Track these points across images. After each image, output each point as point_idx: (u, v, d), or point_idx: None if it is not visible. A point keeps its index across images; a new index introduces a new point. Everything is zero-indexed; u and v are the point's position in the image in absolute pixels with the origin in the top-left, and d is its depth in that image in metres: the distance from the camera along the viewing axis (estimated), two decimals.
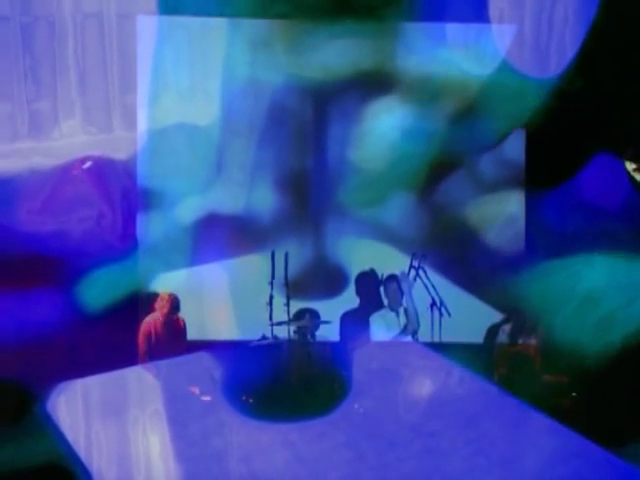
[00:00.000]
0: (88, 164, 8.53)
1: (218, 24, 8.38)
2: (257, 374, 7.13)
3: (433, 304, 8.34)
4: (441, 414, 6.79)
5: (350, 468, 6.20)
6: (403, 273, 8.39)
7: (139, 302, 8.32)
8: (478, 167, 8.60)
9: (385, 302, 8.39)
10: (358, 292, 8.54)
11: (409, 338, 8.30)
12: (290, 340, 7.72)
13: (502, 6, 8.79)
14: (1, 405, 6.82)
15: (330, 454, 6.35)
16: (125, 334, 8.10)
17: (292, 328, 7.79)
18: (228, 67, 8.47)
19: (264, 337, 8.07)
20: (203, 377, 7.35)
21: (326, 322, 8.09)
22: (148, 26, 8.43)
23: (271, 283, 8.17)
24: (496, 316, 8.30)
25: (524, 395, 7.01)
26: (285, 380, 7.17)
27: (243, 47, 8.37)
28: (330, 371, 7.32)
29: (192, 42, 8.48)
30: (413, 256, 8.48)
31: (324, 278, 8.68)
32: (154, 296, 8.36)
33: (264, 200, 8.59)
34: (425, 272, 8.42)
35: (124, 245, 8.43)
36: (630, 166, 8.06)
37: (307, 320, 7.94)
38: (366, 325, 8.29)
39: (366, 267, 8.60)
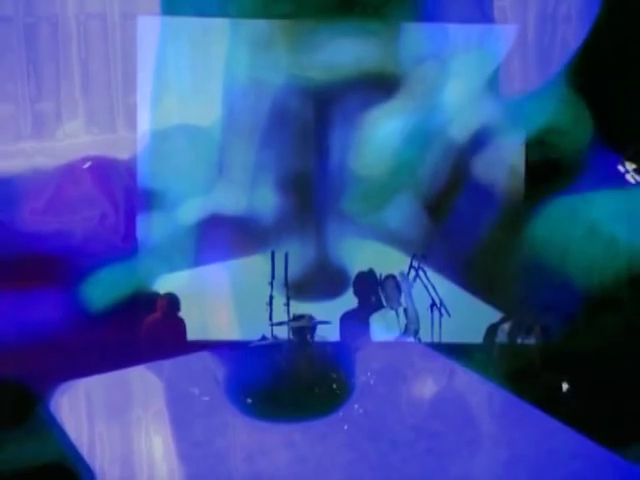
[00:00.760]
0: (91, 164, 8.54)
1: (220, 25, 8.38)
2: (260, 375, 7.14)
3: (433, 304, 8.34)
4: (443, 414, 6.79)
5: (353, 469, 6.20)
6: (402, 273, 8.38)
7: (141, 302, 8.33)
8: (478, 168, 8.60)
9: (384, 302, 8.39)
10: (356, 292, 8.55)
11: (410, 338, 8.30)
12: (291, 340, 7.73)
13: (504, 5, 8.79)
14: (4, 405, 6.83)
15: (333, 455, 6.35)
16: (128, 334, 8.11)
17: (291, 328, 7.80)
18: (230, 68, 8.48)
19: (264, 337, 8.08)
20: (206, 377, 7.36)
21: (326, 322, 8.10)
22: (148, 27, 8.44)
23: (271, 283, 8.18)
24: (496, 316, 8.32)
25: (526, 395, 7.02)
26: (287, 381, 7.17)
27: (245, 48, 8.37)
28: (332, 372, 7.32)
29: (194, 43, 8.48)
30: (413, 257, 8.48)
31: (326, 279, 8.68)
32: (155, 296, 8.37)
33: (266, 201, 8.59)
34: (425, 272, 8.41)
35: (127, 245, 8.44)
36: (630, 166, 8.06)
37: (307, 320, 7.95)
38: (366, 325, 8.28)
39: (366, 268, 8.61)
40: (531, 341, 7.98)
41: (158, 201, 8.46)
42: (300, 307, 8.15)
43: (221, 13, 8.26)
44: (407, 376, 7.44)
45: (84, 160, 8.54)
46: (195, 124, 8.55)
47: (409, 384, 7.33)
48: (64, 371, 7.41)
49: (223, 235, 8.50)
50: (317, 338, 7.92)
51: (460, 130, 8.49)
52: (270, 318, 8.07)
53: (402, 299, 8.33)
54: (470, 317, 8.34)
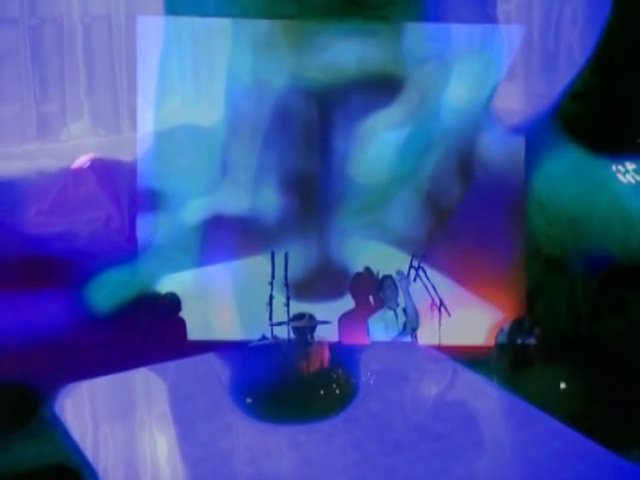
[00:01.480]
0: (96, 166, 8.55)
1: (223, 26, 8.38)
2: (263, 376, 7.14)
3: (433, 304, 8.33)
4: (449, 416, 6.78)
5: (357, 470, 6.19)
6: (400, 272, 8.37)
7: (146, 303, 8.33)
8: (480, 168, 8.61)
9: (383, 302, 8.37)
10: (354, 293, 8.54)
11: (408, 337, 8.29)
12: (290, 340, 7.73)
13: (510, 8, 8.79)
14: (9, 407, 6.83)
15: (337, 456, 6.34)
16: (132, 335, 8.11)
17: (292, 328, 7.80)
18: (233, 69, 8.48)
19: (264, 337, 8.08)
20: (210, 379, 7.35)
21: (326, 322, 8.10)
22: (148, 26, 8.44)
23: (271, 283, 8.19)
24: (496, 316, 8.32)
25: (530, 397, 7.02)
26: (291, 382, 7.17)
27: (248, 49, 8.37)
28: (337, 373, 7.32)
29: (197, 43, 8.48)
30: (413, 256, 8.47)
31: (328, 280, 8.68)
32: (158, 297, 8.36)
33: (269, 202, 8.59)
34: (425, 272, 8.41)
35: (131, 247, 8.44)
36: (630, 166, 8.06)
37: (307, 320, 7.95)
38: (364, 325, 8.27)
39: (369, 268, 8.60)
40: (531, 341, 7.99)
41: (161, 202, 8.46)
42: (301, 307, 8.16)
43: (224, 14, 8.26)
44: (412, 378, 7.43)
45: (89, 161, 8.54)
46: (198, 125, 8.56)
47: (414, 385, 7.32)
48: (69, 373, 7.40)
49: (226, 236, 8.51)
50: (317, 338, 7.93)
51: (463, 130, 8.50)
52: (270, 318, 8.08)
53: (400, 299, 8.31)
54: (470, 317, 8.35)
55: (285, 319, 7.98)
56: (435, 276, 8.46)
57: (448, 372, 7.51)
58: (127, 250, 8.40)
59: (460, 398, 7.17)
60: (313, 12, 8.13)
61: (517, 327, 8.06)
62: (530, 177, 8.39)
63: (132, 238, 8.49)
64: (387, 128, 8.43)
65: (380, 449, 6.38)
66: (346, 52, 8.17)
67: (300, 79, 8.33)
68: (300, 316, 8.04)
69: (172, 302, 8.42)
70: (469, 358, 7.61)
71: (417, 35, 8.37)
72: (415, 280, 8.43)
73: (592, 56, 8.17)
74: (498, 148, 8.55)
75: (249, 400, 6.94)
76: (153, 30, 8.42)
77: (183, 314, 8.39)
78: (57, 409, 6.92)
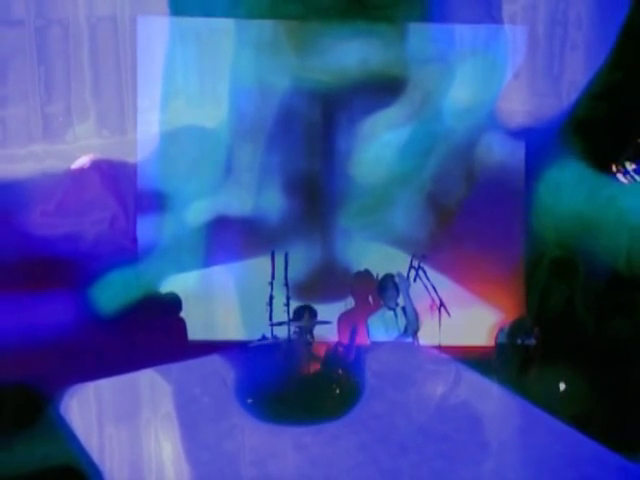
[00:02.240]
0: (101, 167, 8.56)
1: (226, 26, 8.37)
2: (268, 376, 7.14)
3: (433, 304, 8.32)
4: (453, 418, 6.78)
5: (363, 472, 6.19)
6: (400, 274, 8.36)
7: (150, 305, 8.33)
8: (482, 169, 8.61)
9: (382, 302, 8.36)
10: (354, 293, 8.53)
11: (409, 339, 8.28)
12: (293, 341, 7.74)
13: (515, 10, 8.79)
14: (14, 408, 6.83)
15: (343, 457, 6.34)
16: (137, 337, 8.12)
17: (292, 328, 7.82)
18: (237, 70, 8.48)
19: (264, 337, 8.09)
20: (215, 380, 7.35)
21: (326, 322, 8.10)
22: (149, 27, 8.44)
23: (271, 283, 8.20)
24: (496, 316, 8.31)
25: (532, 398, 7.02)
26: (295, 382, 7.17)
27: (252, 50, 8.38)
28: (341, 374, 7.31)
29: (200, 44, 8.49)
30: (413, 257, 8.46)
31: (331, 281, 8.68)
32: (163, 298, 8.36)
33: (272, 203, 8.60)
34: (425, 272, 8.40)
35: (136, 248, 8.45)
36: (630, 166, 8.05)
37: (306, 320, 7.95)
38: (364, 325, 8.27)
39: (372, 269, 8.60)
40: (531, 342, 7.98)
41: (165, 203, 8.48)
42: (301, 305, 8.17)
43: (229, 15, 8.26)
44: (417, 379, 7.42)
45: (94, 163, 8.55)
46: (202, 126, 8.56)
47: (419, 387, 7.31)
48: (74, 374, 7.41)
49: (230, 237, 8.51)
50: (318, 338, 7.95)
51: (466, 132, 8.49)
52: (270, 318, 8.09)
53: (400, 299, 8.31)
54: (470, 317, 8.34)
55: (287, 319, 8.00)
56: (435, 276, 8.46)
57: (453, 374, 7.50)
58: (131, 251, 8.41)
59: (465, 400, 7.16)
60: (317, 13, 8.14)
61: (517, 327, 8.06)
62: (534, 179, 8.40)
63: (136, 239, 8.50)
64: (390, 129, 8.44)
65: (385, 451, 6.37)
66: (350, 53, 8.18)
67: (303, 80, 8.33)
68: (301, 309, 8.06)
69: (173, 303, 8.42)
70: (469, 358, 7.61)
71: (421, 36, 8.38)
72: (415, 280, 8.43)
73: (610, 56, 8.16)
74: (500, 150, 8.55)
75: (254, 401, 6.94)
76: (154, 30, 8.42)
77: (187, 315, 8.40)
78: (62, 410, 6.91)
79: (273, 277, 8.20)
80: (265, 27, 8.27)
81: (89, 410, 7.20)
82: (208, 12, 8.27)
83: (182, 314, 8.40)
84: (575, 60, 8.66)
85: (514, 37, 8.59)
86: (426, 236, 8.61)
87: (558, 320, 8.06)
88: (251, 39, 8.31)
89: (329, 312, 8.32)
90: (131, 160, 8.57)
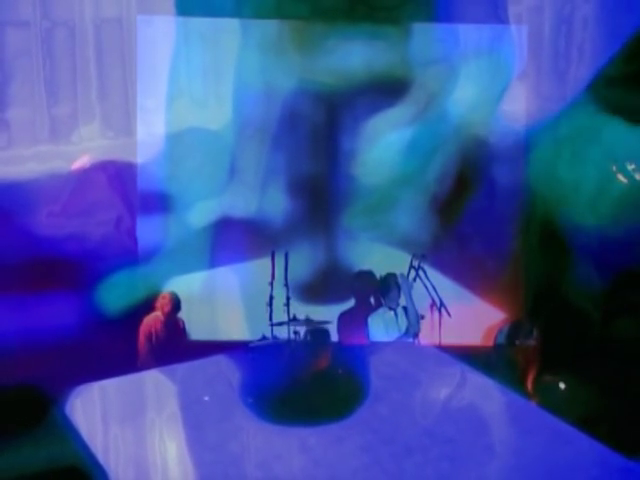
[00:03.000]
0: (106, 168, 8.57)
1: (231, 27, 8.38)
2: (272, 377, 7.14)
3: (433, 305, 8.32)
4: (458, 420, 6.77)
5: (367, 473, 6.19)
6: (402, 275, 8.35)
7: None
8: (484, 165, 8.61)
9: (382, 302, 8.35)
10: (354, 292, 8.53)
11: (410, 340, 8.28)
12: (294, 341, 7.75)
13: (520, 11, 8.79)
14: (20, 408, 6.84)
15: (347, 459, 6.34)
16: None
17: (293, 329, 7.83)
18: (241, 71, 8.48)
19: (264, 337, 8.10)
20: (220, 381, 7.35)
21: (326, 322, 8.10)
22: (148, 27, 8.44)
23: (271, 283, 8.20)
24: (496, 316, 8.31)
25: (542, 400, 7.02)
26: (299, 383, 7.17)
27: (256, 51, 8.38)
28: (346, 375, 7.31)
29: (205, 45, 8.49)
30: (413, 257, 8.46)
31: (335, 282, 8.68)
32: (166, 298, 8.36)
33: (276, 204, 8.60)
34: (425, 272, 8.40)
35: (141, 249, 8.46)
36: (630, 166, 8.04)
37: (305, 321, 7.97)
38: (364, 325, 8.26)
39: (376, 270, 8.59)
40: (530, 343, 7.98)
41: (170, 205, 8.48)
42: (307, 309, 8.18)
43: (235, 16, 8.27)
44: (422, 381, 7.42)
45: (99, 164, 8.56)
46: (206, 127, 8.57)
47: (424, 389, 7.30)
48: (79, 374, 7.41)
49: (234, 238, 8.52)
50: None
51: (470, 133, 8.50)
52: (270, 318, 8.10)
53: (401, 299, 8.30)
54: (470, 317, 8.34)
55: (294, 319, 8.00)
56: (435, 276, 8.46)
57: (458, 376, 7.50)
58: (136, 252, 8.42)
59: (470, 402, 7.16)
60: (323, 14, 8.14)
61: (516, 328, 8.06)
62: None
63: (141, 240, 8.50)
64: (394, 130, 8.44)
65: (390, 452, 6.37)
66: (354, 55, 8.18)
67: (308, 82, 8.33)
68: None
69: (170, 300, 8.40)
70: (469, 358, 7.61)
71: (425, 37, 8.38)
72: (415, 280, 8.42)
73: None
74: (503, 150, 8.55)
75: (259, 402, 6.95)
76: (154, 30, 8.42)
77: (192, 315, 8.40)
78: (67, 410, 6.91)
79: (273, 277, 8.22)
80: (270, 28, 8.26)
81: (94, 410, 7.20)
82: (214, 13, 8.27)
83: (187, 315, 8.40)
84: (580, 61, 8.65)
85: (519, 38, 8.58)
86: (429, 237, 8.61)
87: (558, 320, 8.05)
88: (256, 40, 8.31)
89: (333, 313, 8.32)
90: (137, 161, 8.57)
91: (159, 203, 8.46)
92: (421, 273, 8.40)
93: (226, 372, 7.47)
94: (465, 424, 6.68)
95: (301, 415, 6.74)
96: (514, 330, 8.04)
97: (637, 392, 7.07)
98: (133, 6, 8.59)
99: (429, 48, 8.38)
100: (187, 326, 8.32)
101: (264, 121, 8.53)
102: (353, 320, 8.30)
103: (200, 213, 8.46)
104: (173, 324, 8.18)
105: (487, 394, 7.21)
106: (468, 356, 7.62)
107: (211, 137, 8.52)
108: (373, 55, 8.24)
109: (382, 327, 8.21)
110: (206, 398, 7.10)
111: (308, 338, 7.81)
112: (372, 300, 8.51)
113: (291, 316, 8.11)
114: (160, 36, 8.43)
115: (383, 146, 8.47)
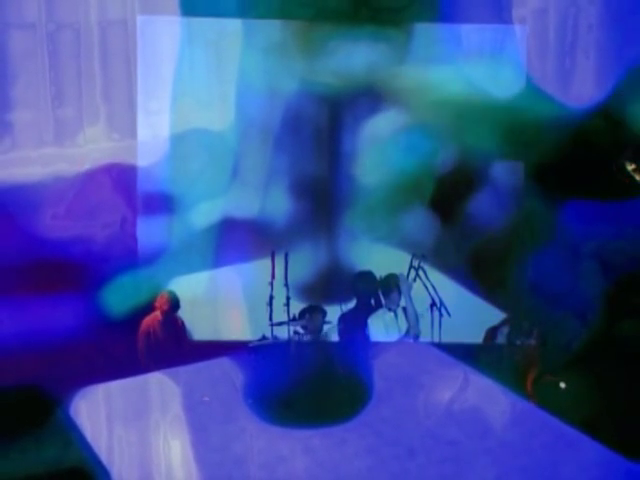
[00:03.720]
0: (111, 170, 8.58)
1: (235, 28, 8.38)
2: (274, 379, 7.15)
3: (433, 304, 8.32)
4: (461, 422, 6.78)
5: (370, 475, 6.20)
6: (402, 275, 8.35)
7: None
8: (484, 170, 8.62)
9: (383, 302, 8.35)
10: (355, 292, 8.53)
11: (410, 341, 8.29)
12: (297, 342, 7.76)
13: (525, 13, 8.79)
14: (24, 409, 6.86)
15: (351, 460, 6.35)
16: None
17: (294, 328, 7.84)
18: (245, 73, 8.49)
19: (264, 337, 8.11)
20: (224, 383, 7.36)
21: (326, 322, 8.11)
22: (149, 27, 8.45)
23: (271, 283, 8.22)
24: (496, 316, 8.31)
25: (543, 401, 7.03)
26: (303, 385, 7.17)
27: (260, 52, 8.38)
28: (350, 378, 7.32)
29: (208, 46, 8.50)
30: (413, 257, 8.46)
31: (337, 282, 8.69)
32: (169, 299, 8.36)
33: (279, 205, 8.61)
34: (425, 272, 8.40)
35: (144, 250, 8.47)
36: (630, 166, 8.05)
37: (307, 320, 7.97)
38: (364, 326, 8.26)
39: (377, 271, 8.59)
40: (530, 343, 7.98)
41: (174, 206, 8.50)
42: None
43: (239, 17, 8.28)
44: (426, 383, 7.42)
45: (104, 166, 8.58)
46: (210, 128, 8.58)
47: (428, 391, 7.31)
48: (84, 376, 7.43)
49: (237, 238, 8.52)
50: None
51: (471, 134, 8.50)
52: (270, 318, 8.11)
53: (401, 300, 8.30)
54: (470, 317, 8.34)
55: (296, 319, 8.02)
56: (435, 276, 8.47)
57: (461, 379, 7.50)
58: (140, 253, 8.44)
59: (473, 404, 7.16)
60: (327, 16, 8.15)
61: (516, 328, 8.06)
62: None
63: (145, 241, 8.51)
64: (396, 132, 8.44)
65: (393, 454, 6.38)
66: (358, 56, 8.18)
67: (311, 83, 8.34)
68: (308, 312, 8.08)
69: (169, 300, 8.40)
70: (468, 358, 7.62)
71: (428, 39, 8.38)
72: (415, 280, 8.43)
73: None
74: (504, 151, 8.56)
75: (262, 404, 6.96)
76: (155, 30, 8.43)
77: (195, 316, 8.41)
78: (72, 412, 6.93)
79: (273, 277, 8.24)
80: (273, 29, 8.27)
81: (98, 412, 7.21)
82: (219, 14, 8.28)
83: (189, 315, 8.40)
84: (585, 63, 8.66)
85: (523, 39, 8.59)
86: (431, 238, 8.62)
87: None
88: (259, 41, 8.32)
89: (335, 313, 8.33)
90: (141, 163, 8.59)
91: (162, 204, 8.47)
92: (421, 273, 8.41)
93: (230, 374, 7.48)
94: (468, 426, 6.68)
95: (304, 417, 6.75)
96: (514, 330, 8.04)
97: (638, 393, 7.07)
98: (138, 9, 8.60)
99: (432, 50, 8.39)
100: (188, 326, 8.32)
101: (267, 122, 8.55)
102: (354, 321, 8.31)
103: (203, 214, 8.47)
104: (172, 323, 8.16)
105: (490, 396, 7.21)
106: (468, 356, 7.63)
107: (214, 138, 8.53)
108: (376, 57, 8.24)
109: (382, 328, 8.21)
110: (206, 398, 7.11)
111: (308, 338, 7.82)
112: (372, 301, 8.52)
113: (291, 316, 8.11)
114: (163, 37, 8.44)
115: (385, 147, 8.48)
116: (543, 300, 7.93)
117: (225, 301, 8.59)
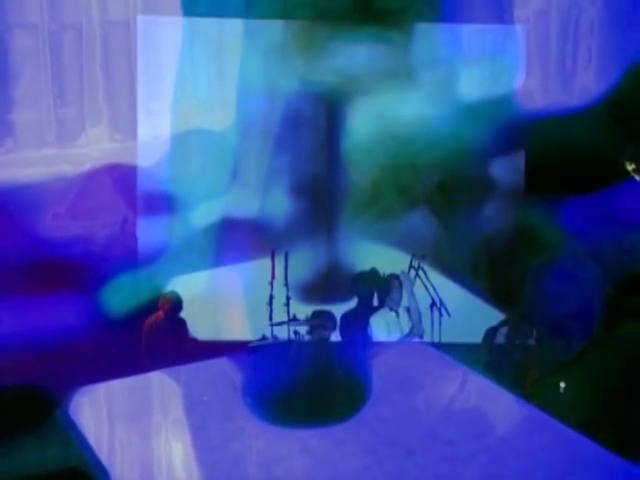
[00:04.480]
0: (112, 170, 8.60)
1: (235, 28, 8.39)
2: (273, 378, 7.16)
3: (433, 304, 8.31)
4: (459, 421, 6.77)
5: (368, 475, 6.20)
6: (404, 274, 8.35)
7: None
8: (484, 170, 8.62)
9: (384, 302, 8.35)
10: (357, 292, 8.52)
11: (413, 340, 8.28)
12: (297, 342, 7.76)
13: (527, 14, 8.79)
14: (24, 409, 6.87)
15: (349, 460, 6.34)
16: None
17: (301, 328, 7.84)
18: (245, 73, 8.50)
19: (264, 337, 8.11)
20: (223, 383, 7.37)
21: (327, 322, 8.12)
22: (149, 27, 8.46)
23: (271, 283, 8.22)
24: (496, 316, 8.30)
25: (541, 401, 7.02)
26: (301, 384, 7.17)
27: (260, 52, 8.39)
28: (348, 377, 7.32)
29: (208, 46, 8.51)
30: (412, 257, 8.46)
31: (337, 282, 8.69)
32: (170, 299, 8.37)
33: (279, 205, 8.61)
34: (425, 272, 8.40)
35: (145, 250, 8.48)
36: (630, 166, 8.04)
37: (307, 320, 7.97)
38: (366, 326, 8.26)
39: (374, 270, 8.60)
40: (530, 343, 7.97)
41: (174, 206, 8.50)
42: (308, 309, 8.19)
43: (239, 17, 8.29)
44: (424, 383, 7.42)
45: (105, 166, 8.60)
46: (210, 128, 8.58)
47: (426, 390, 7.30)
48: (84, 375, 7.44)
49: (237, 238, 8.53)
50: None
51: (471, 134, 8.50)
52: (270, 318, 8.11)
53: (403, 300, 8.29)
54: (470, 317, 8.33)
55: (296, 319, 8.02)
56: (435, 276, 8.47)
57: (460, 378, 7.50)
58: (140, 253, 8.45)
59: (471, 404, 7.16)
60: (327, 16, 8.15)
61: (515, 328, 8.05)
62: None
63: (145, 241, 8.53)
64: (397, 132, 8.44)
65: (391, 454, 6.37)
66: (358, 57, 8.19)
67: (312, 83, 8.35)
68: (316, 316, 8.08)
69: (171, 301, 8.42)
70: (468, 358, 7.61)
71: (429, 39, 8.38)
72: (415, 280, 8.43)
73: None
74: (504, 151, 8.55)
75: (261, 404, 6.96)
76: (155, 31, 8.44)
77: (195, 316, 8.41)
78: (72, 412, 6.94)
79: (273, 277, 8.24)
80: (274, 30, 8.28)
81: (98, 412, 7.23)
82: (220, 15, 8.29)
83: (190, 315, 8.41)
84: (587, 64, 8.65)
85: (524, 39, 8.59)
86: (430, 238, 8.61)
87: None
88: (260, 42, 8.32)
89: (337, 314, 8.33)
90: (142, 163, 8.60)
91: (163, 204, 8.48)
92: (421, 273, 8.41)
93: (229, 373, 7.49)
94: (466, 426, 6.68)
95: (303, 417, 6.75)
96: (513, 330, 8.04)
97: (638, 394, 7.05)
98: (140, 9, 8.62)
99: (433, 50, 8.39)
100: (189, 326, 8.33)
101: (267, 123, 8.55)
102: (355, 321, 8.30)
103: (203, 214, 8.48)
104: (174, 323, 8.17)
105: (489, 396, 7.21)
106: (468, 356, 7.63)
107: (214, 138, 8.53)
108: (377, 57, 8.24)
109: (384, 328, 8.21)
110: (205, 398, 7.11)
111: (308, 338, 7.82)
112: (374, 301, 8.51)
113: (291, 316, 8.12)
114: (163, 37, 8.46)
115: (385, 147, 8.48)
116: (543, 300, 7.92)
117: (225, 301, 8.59)
